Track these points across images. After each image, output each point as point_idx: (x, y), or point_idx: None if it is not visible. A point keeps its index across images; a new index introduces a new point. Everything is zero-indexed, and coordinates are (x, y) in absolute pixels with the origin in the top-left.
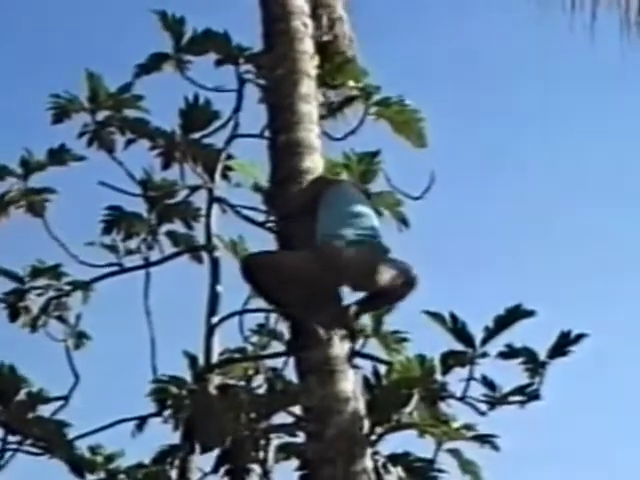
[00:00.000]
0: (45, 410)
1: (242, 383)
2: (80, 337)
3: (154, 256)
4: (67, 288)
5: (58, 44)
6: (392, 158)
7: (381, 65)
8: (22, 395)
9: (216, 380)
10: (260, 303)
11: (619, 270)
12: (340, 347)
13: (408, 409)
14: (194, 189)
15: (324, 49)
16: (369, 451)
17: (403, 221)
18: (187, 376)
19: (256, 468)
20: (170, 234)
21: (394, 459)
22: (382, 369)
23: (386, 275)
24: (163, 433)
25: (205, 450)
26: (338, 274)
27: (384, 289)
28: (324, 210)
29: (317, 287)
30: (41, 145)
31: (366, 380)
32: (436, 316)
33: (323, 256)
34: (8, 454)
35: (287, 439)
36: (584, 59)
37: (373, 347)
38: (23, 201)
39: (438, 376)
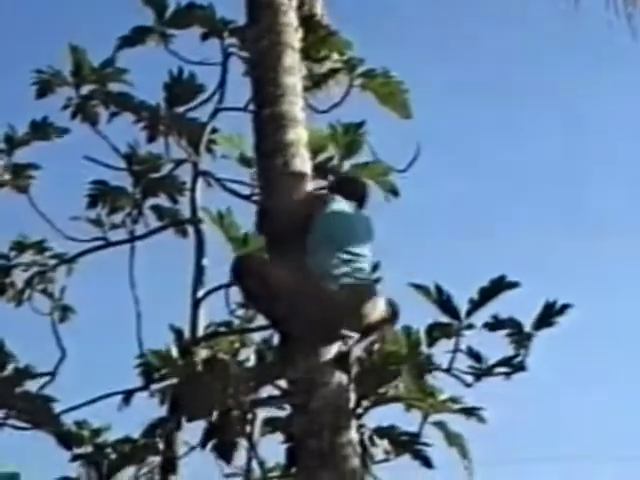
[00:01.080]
0: (32, 385)
1: (228, 357)
2: (65, 310)
3: (139, 230)
4: (52, 262)
5: (40, 19)
6: (376, 131)
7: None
8: (9, 370)
9: (202, 353)
10: None
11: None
12: None
13: (394, 383)
14: (179, 163)
15: (308, 22)
16: (355, 424)
17: (392, 191)
18: (173, 349)
19: (243, 442)
20: (155, 208)
21: (380, 432)
22: None
23: (373, 315)
24: (150, 407)
25: (191, 420)
26: (327, 313)
27: (371, 328)
28: (317, 236)
29: (305, 311)
30: (25, 123)
31: None
32: (421, 288)
33: (314, 293)
34: None
35: (273, 413)
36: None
37: None
38: (8, 177)
39: (424, 348)
